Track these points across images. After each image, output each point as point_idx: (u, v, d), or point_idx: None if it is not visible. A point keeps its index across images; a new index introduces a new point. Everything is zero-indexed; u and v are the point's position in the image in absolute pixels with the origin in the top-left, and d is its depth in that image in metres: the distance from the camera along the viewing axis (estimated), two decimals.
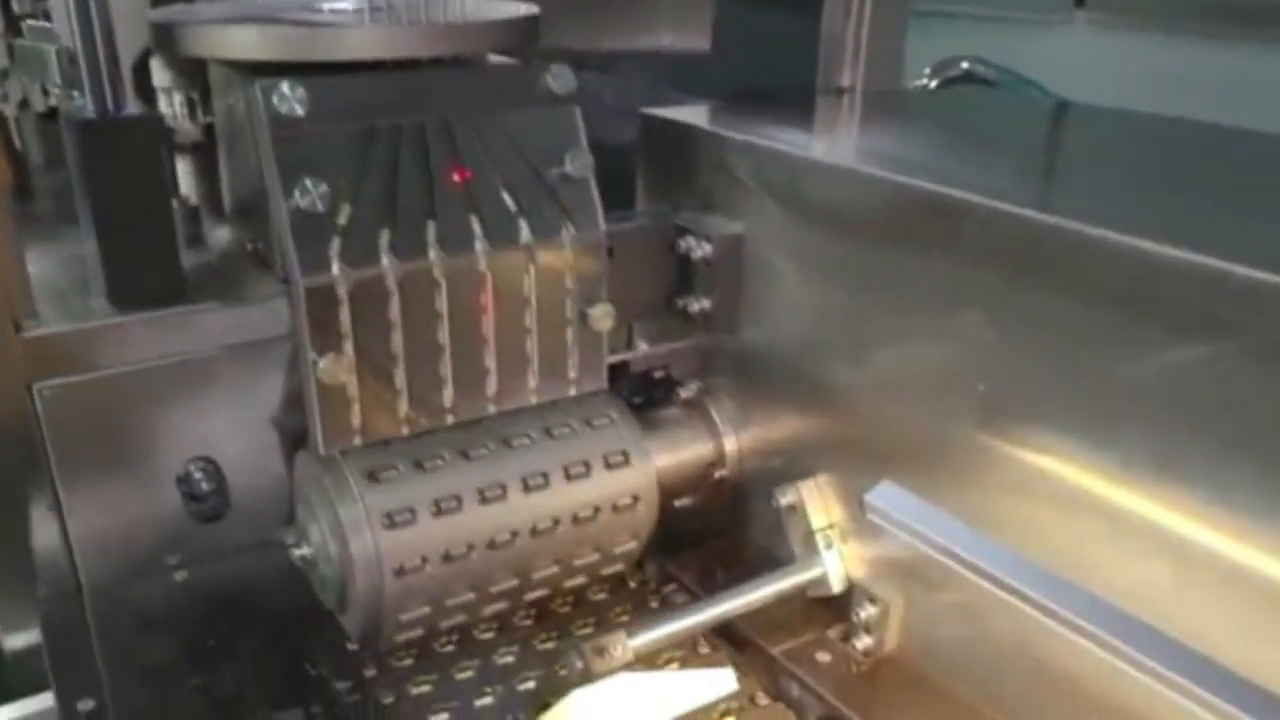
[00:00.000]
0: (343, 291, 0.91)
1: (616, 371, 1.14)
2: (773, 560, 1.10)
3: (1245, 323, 0.70)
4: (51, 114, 1.30)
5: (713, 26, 1.51)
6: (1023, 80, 2.17)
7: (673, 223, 1.15)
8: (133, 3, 1.09)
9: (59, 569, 1.03)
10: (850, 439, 1.04)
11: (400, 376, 0.96)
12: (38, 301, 0.99)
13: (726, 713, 0.97)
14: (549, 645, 1.06)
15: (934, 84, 2.09)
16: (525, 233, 0.99)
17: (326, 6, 1.07)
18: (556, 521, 1.02)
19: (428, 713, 0.97)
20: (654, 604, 1.13)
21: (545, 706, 0.95)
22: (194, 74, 1.15)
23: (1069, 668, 0.85)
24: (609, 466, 1.05)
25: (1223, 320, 0.71)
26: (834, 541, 1.06)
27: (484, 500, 0.98)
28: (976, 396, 0.89)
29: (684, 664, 1.03)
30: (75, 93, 1.06)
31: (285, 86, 0.89)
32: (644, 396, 1.22)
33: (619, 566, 1.11)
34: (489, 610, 1.03)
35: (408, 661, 1.03)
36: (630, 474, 1.06)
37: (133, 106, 1.02)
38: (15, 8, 1.31)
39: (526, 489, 1.00)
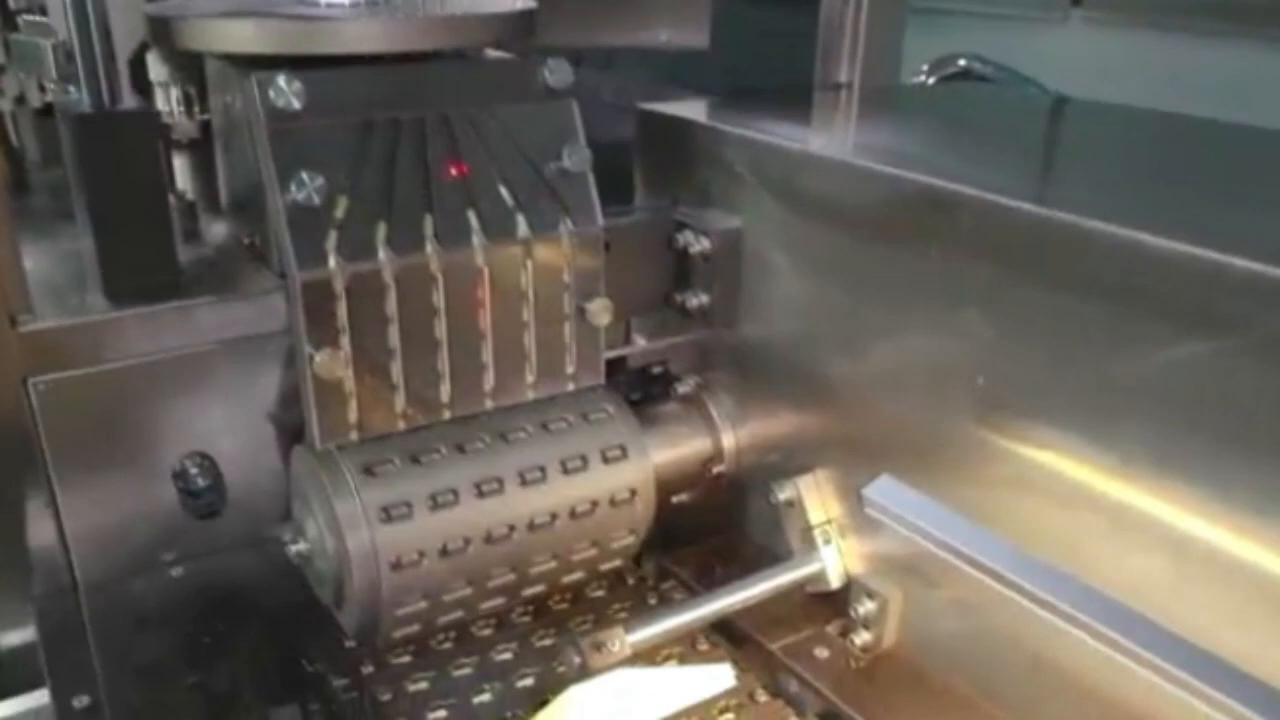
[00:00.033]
0: (339, 285, 0.91)
1: (614, 367, 1.14)
2: (771, 556, 1.10)
3: (1243, 316, 0.70)
4: (48, 109, 1.30)
5: (711, 23, 1.51)
6: (1020, 77, 2.18)
7: (670, 217, 1.14)
8: None
9: (54, 565, 1.03)
10: (848, 434, 1.04)
11: (397, 371, 0.96)
12: (34, 297, 0.99)
13: (725, 709, 0.97)
14: (547, 642, 1.05)
15: (932, 80, 2.09)
16: (523, 227, 0.99)
17: (323, 0, 1.06)
18: (554, 516, 1.02)
19: (425, 710, 0.96)
20: (652, 600, 1.13)
21: (544, 703, 0.95)
22: (190, 68, 1.15)
23: (1067, 662, 0.85)
24: (606, 460, 1.05)
25: (1221, 313, 0.71)
26: (832, 537, 1.06)
27: (481, 494, 0.98)
28: (975, 391, 0.89)
29: (682, 660, 1.02)
30: (71, 87, 1.06)
31: (282, 80, 0.89)
32: (642, 392, 1.22)
33: (617, 562, 1.10)
34: (487, 606, 1.03)
35: (405, 658, 1.03)
36: (628, 468, 1.06)
37: (129, 101, 1.02)
38: (11, 3, 1.31)
39: (524, 483, 1.00)
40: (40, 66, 1.20)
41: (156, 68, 1.16)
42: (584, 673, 0.94)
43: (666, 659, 1.02)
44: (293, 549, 0.99)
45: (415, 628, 1.00)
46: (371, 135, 0.93)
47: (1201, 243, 0.71)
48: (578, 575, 1.08)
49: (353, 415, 0.95)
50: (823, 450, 1.07)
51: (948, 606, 0.96)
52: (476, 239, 0.97)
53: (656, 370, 1.24)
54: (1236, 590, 0.74)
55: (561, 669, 0.96)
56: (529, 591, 1.05)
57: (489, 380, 1.01)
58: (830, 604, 1.06)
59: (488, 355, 1.00)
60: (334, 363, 0.91)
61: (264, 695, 1.00)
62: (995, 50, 2.81)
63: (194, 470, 1.06)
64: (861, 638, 1.02)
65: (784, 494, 1.07)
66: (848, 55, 1.46)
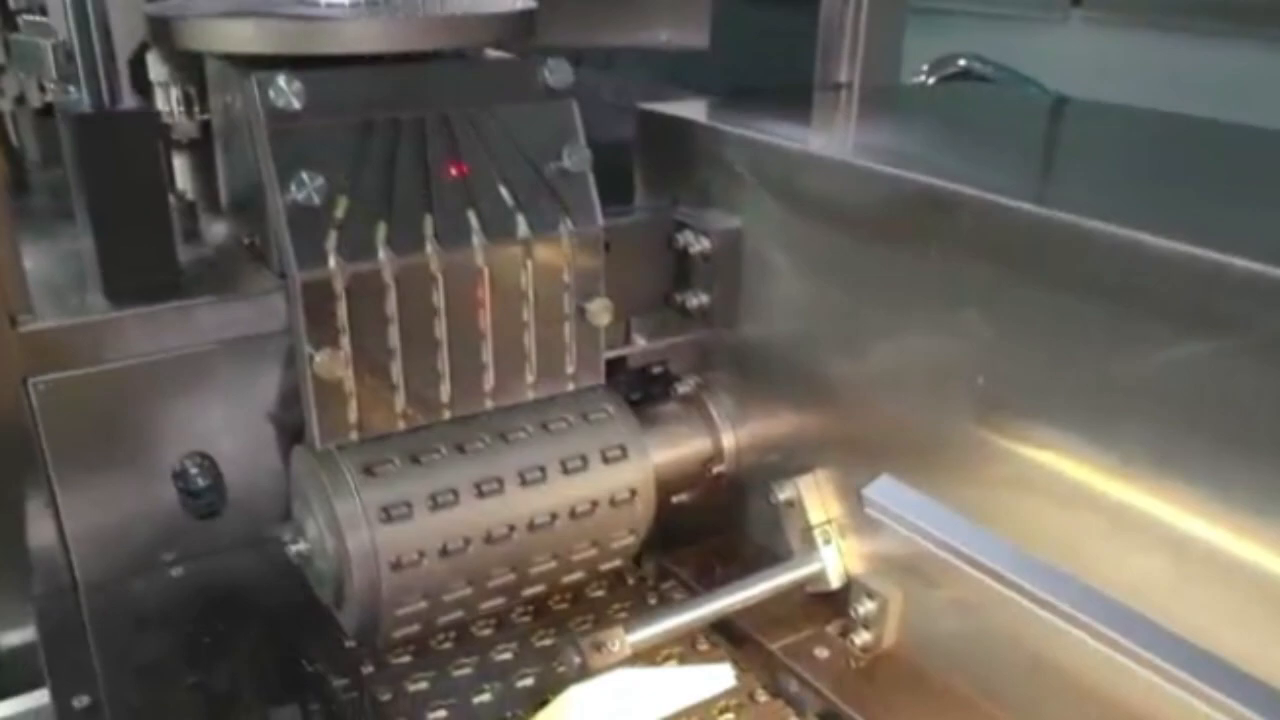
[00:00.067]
0: (339, 285, 0.91)
1: (614, 367, 1.13)
2: (771, 556, 1.10)
3: (1244, 316, 0.70)
4: (48, 110, 1.30)
5: (711, 23, 1.51)
6: (1020, 77, 2.18)
7: (671, 217, 1.14)
8: None
9: (54, 565, 1.03)
10: (848, 434, 1.04)
11: (397, 371, 0.96)
12: (34, 297, 0.98)
13: (725, 709, 0.97)
14: (547, 642, 1.05)
15: (932, 80, 2.09)
16: (523, 227, 0.99)
17: (323, 0, 1.06)
18: (554, 516, 1.02)
19: (425, 710, 0.96)
20: (652, 600, 1.13)
21: (544, 703, 0.95)
22: (190, 68, 1.15)
23: (1067, 663, 0.85)
24: (606, 460, 1.05)
25: (1221, 313, 0.71)
26: (832, 537, 1.06)
27: (481, 494, 0.98)
28: (975, 391, 0.89)
29: (682, 660, 1.02)
30: (71, 87, 1.06)
31: (282, 80, 0.89)
32: (642, 392, 1.22)
33: (617, 562, 1.10)
34: (487, 606, 1.03)
35: (405, 658, 1.03)
36: (628, 468, 1.06)
37: (129, 101, 1.02)
38: (11, 3, 1.31)
39: (524, 483, 1.00)
40: (40, 66, 1.20)
41: (156, 68, 1.16)
42: (584, 673, 0.94)
43: (666, 659, 1.02)
44: (293, 549, 0.99)
45: (415, 628, 1.00)
46: (371, 135, 0.93)
47: (1202, 243, 0.71)
48: (578, 575, 1.08)
49: (353, 415, 0.95)
50: (823, 450, 1.07)
51: (948, 606, 0.96)
52: (476, 239, 0.97)
53: (656, 370, 1.24)
54: (1236, 590, 0.74)
55: (561, 669, 0.96)
56: (529, 591, 1.05)
57: (489, 380, 1.01)
58: (830, 604, 1.06)
59: (488, 355, 1.00)
60: (334, 363, 0.91)
61: (264, 695, 1.00)
62: (995, 50, 2.81)
63: (194, 470, 1.06)
64: (861, 638, 1.02)
65: (784, 494, 1.07)
66: (848, 55, 1.46)
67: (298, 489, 1.01)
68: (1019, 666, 0.90)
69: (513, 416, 1.03)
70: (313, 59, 0.93)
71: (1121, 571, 0.81)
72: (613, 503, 1.05)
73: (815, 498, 1.07)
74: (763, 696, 0.98)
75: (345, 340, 0.93)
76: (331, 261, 0.90)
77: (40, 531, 1.01)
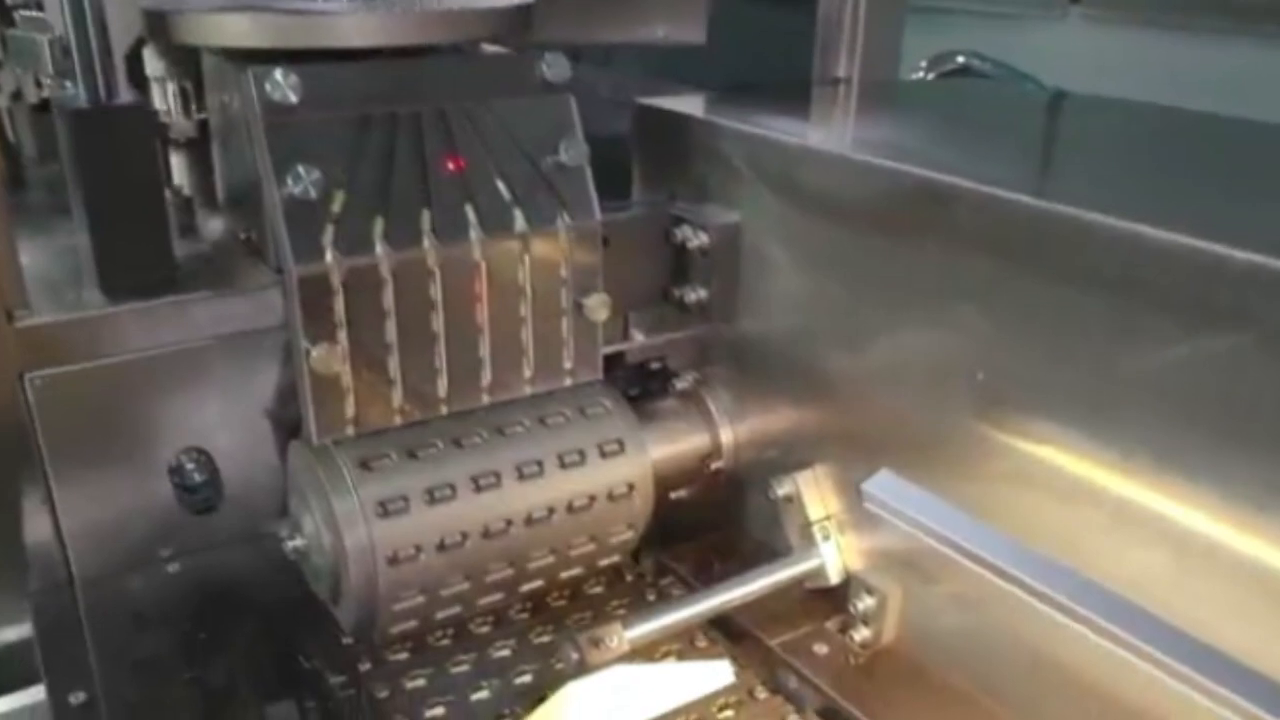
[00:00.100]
0: (336, 280, 0.91)
1: (612, 363, 1.13)
2: (770, 552, 1.10)
3: (1244, 308, 0.70)
4: (44, 105, 1.30)
5: (709, 20, 1.51)
6: (1018, 74, 2.18)
7: (668, 212, 1.14)
8: None
9: (51, 561, 1.03)
10: (847, 429, 1.04)
11: (394, 366, 0.96)
12: (30, 292, 0.98)
13: (725, 706, 0.96)
14: (545, 638, 1.05)
15: (930, 77, 2.09)
16: (520, 221, 0.99)
17: None
18: (551, 510, 1.01)
19: (423, 707, 0.96)
20: (650, 597, 1.12)
21: (542, 700, 0.95)
22: (187, 64, 1.15)
23: (1067, 658, 0.84)
24: (604, 455, 1.04)
25: (1222, 306, 0.71)
26: (831, 533, 1.06)
27: (478, 489, 0.97)
28: (974, 385, 0.89)
29: (681, 657, 1.02)
30: (68, 83, 1.06)
31: (278, 74, 0.89)
32: (640, 388, 1.22)
33: (615, 557, 1.10)
34: (484, 601, 1.03)
35: (403, 655, 1.02)
36: (625, 463, 1.05)
37: (125, 95, 1.02)
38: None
39: (521, 477, 1.00)
40: (37, 62, 1.20)
41: (153, 63, 1.16)
42: (582, 669, 0.93)
43: (665, 655, 1.02)
44: (289, 544, 0.99)
45: (412, 623, 0.99)
46: (368, 130, 0.93)
47: (1202, 235, 0.71)
48: (576, 571, 1.07)
49: (350, 410, 0.95)
50: (822, 446, 1.06)
51: (947, 602, 0.96)
52: (474, 233, 0.97)
53: (655, 366, 1.24)
54: (1237, 585, 0.74)
55: (559, 665, 0.95)
56: (527, 587, 1.05)
57: (486, 375, 1.01)
58: (829, 600, 1.06)
59: (485, 350, 1.00)
60: (331, 357, 0.91)
61: (260, 692, 1.00)
62: (994, 47, 2.81)
63: (190, 466, 1.05)
64: (861, 634, 1.02)
65: (783, 490, 1.07)
66: (846, 52, 1.46)
67: (294, 484, 1.01)
68: (1019, 662, 0.90)
69: (510, 411, 1.03)
70: (309, 53, 0.93)
71: (1122, 566, 0.81)
72: (610, 497, 1.05)
73: (814, 493, 1.06)
74: (762, 693, 0.98)
75: (342, 335, 0.92)
76: (328, 256, 0.90)
77: (36, 527, 1.01)
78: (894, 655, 1.01)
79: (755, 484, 1.13)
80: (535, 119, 1.00)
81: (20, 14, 1.27)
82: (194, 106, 1.18)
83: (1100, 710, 0.83)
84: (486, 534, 0.98)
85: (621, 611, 1.09)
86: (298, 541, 0.99)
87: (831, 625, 1.05)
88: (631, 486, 1.06)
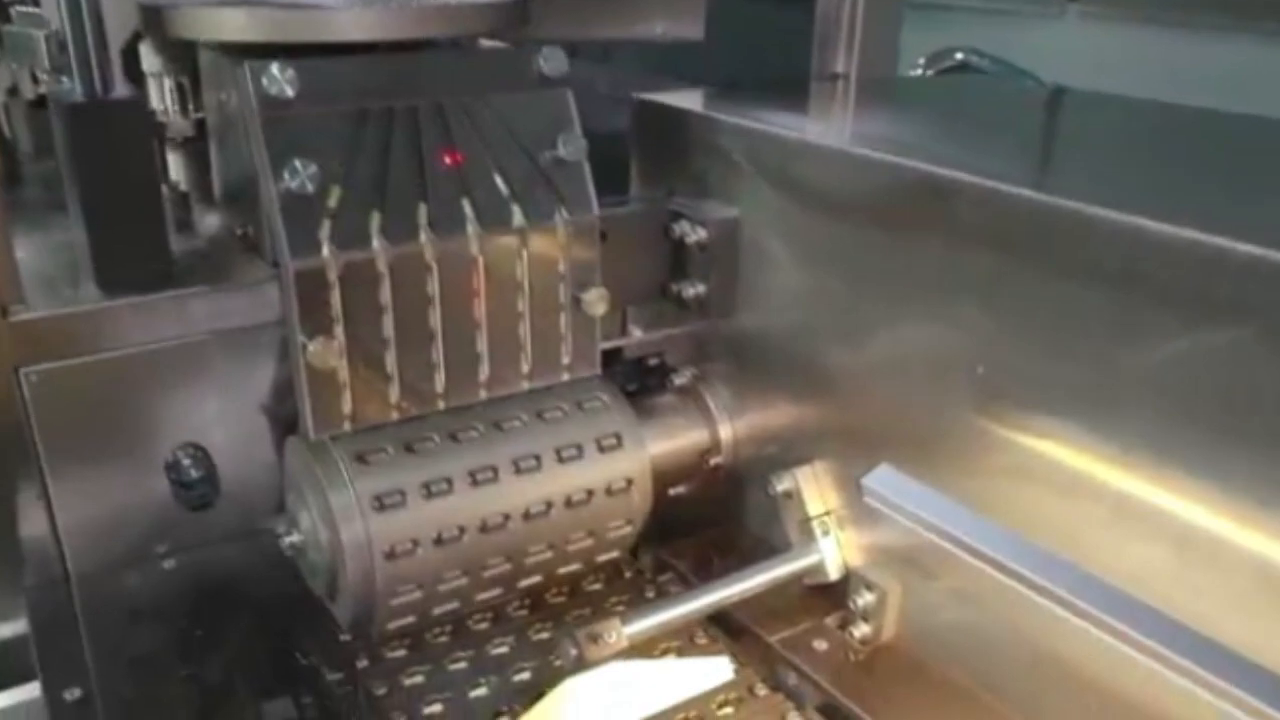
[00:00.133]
0: (333, 274, 0.90)
1: (610, 358, 1.13)
2: (769, 548, 1.10)
3: (1245, 301, 0.69)
4: (41, 101, 1.29)
5: (707, 16, 1.50)
6: (1016, 71, 2.18)
7: (667, 207, 1.14)
8: None
9: (46, 557, 1.02)
10: (847, 425, 1.03)
11: (391, 361, 0.96)
12: (26, 287, 0.98)
13: (725, 703, 0.96)
14: (544, 635, 1.05)
15: (929, 74, 2.08)
16: (518, 216, 0.98)
17: None
18: (549, 505, 1.01)
19: (421, 704, 0.96)
20: (649, 593, 1.12)
21: (540, 697, 0.94)
22: (183, 59, 1.14)
23: (1068, 653, 0.84)
24: (602, 449, 1.04)
25: (1223, 299, 0.71)
26: (831, 528, 1.05)
27: (475, 483, 0.97)
28: (974, 380, 0.89)
29: (680, 653, 1.02)
30: (64, 78, 1.05)
31: (275, 68, 0.89)
32: (638, 383, 1.22)
33: (614, 553, 1.10)
34: (482, 596, 1.02)
35: (400, 652, 1.02)
36: (623, 457, 1.05)
37: (122, 89, 1.01)
38: None
39: (518, 471, 1.00)
40: (33, 57, 1.19)
41: (149, 58, 1.15)
42: (580, 664, 0.93)
43: (664, 652, 1.01)
44: (286, 541, 0.99)
45: (410, 619, 0.99)
46: (365, 124, 0.93)
47: (1203, 228, 0.71)
48: (574, 566, 1.07)
49: (346, 405, 0.95)
50: (821, 441, 1.06)
51: (947, 598, 0.95)
52: (471, 228, 0.96)
53: (653, 362, 1.24)
54: (1237, 578, 0.74)
55: (558, 662, 0.95)
56: (525, 582, 1.05)
57: (484, 370, 1.01)
58: (829, 596, 1.06)
59: (482, 345, 1.00)
60: (327, 352, 0.91)
61: (257, 689, 1.00)
62: (992, 44, 2.81)
63: (187, 461, 1.05)
64: (860, 630, 1.01)
65: (782, 485, 1.06)
66: (844, 48, 1.45)
67: (291, 480, 1.00)
68: (1019, 657, 0.89)
69: (508, 406, 1.02)
70: (306, 47, 0.93)
71: (1122, 560, 0.80)
72: (609, 492, 1.04)
73: (813, 489, 1.06)
74: (761, 689, 0.98)
75: (339, 329, 0.92)
76: (325, 250, 0.90)
77: (32, 523, 1.01)
78: (894, 651, 1.01)
79: (754, 479, 1.12)
80: (533, 114, 1.00)
81: (16, 9, 1.26)
82: (191, 105, 1.17)
83: (1100, 705, 0.83)
84: (484, 529, 0.98)
85: (620, 608, 1.09)
86: (294, 537, 0.99)
87: (831, 621, 1.05)
88: (630, 481, 1.06)
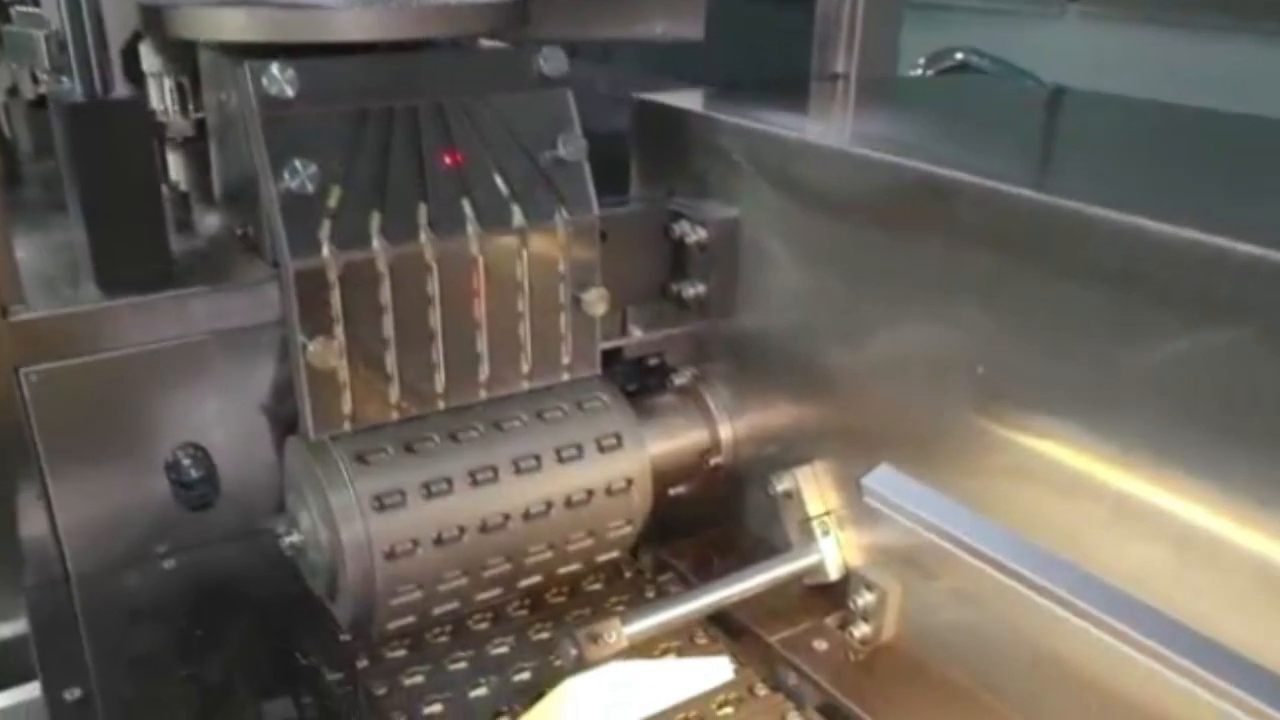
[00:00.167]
0: (333, 274, 0.90)
1: (610, 358, 1.13)
2: (769, 548, 1.10)
3: (1245, 301, 0.69)
4: (41, 101, 1.29)
5: (707, 17, 1.50)
6: (1016, 71, 2.18)
7: (667, 207, 1.14)
8: None
9: (46, 557, 1.02)
10: (847, 425, 1.03)
11: (391, 361, 0.96)
12: (26, 287, 0.98)
13: (725, 703, 0.96)
14: (544, 635, 1.05)
15: (929, 74, 2.08)
16: (518, 216, 0.98)
17: None
18: (549, 505, 1.01)
19: (421, 704, 0.96)
20: (650, 593, 1.12)
21: (540, 697, 0.94)
22: (183, 59, 1.14)
23: (1068, 653, 0.84)
24: (602, 449, 1.04)
25: (1222, 299, 0.71)
26: (831, 528, 1.05)
27: (475, 483, 0.97)
28: (974, 380, 0.89)
29: (680, 653, 1.02)
30: (64, 78, 1.05)
31: (275, 68, 0.89)
32: (638, 383, 1.22)
33: (614, 553, 1.10)
34: (482, 596, 1.02)
35: (400, 652, 1.02)
36: (623, 457, 1.05)
37: (122, 89, 1.01)
38: None
39: (518, 471, 1.00)
40: (33, 57, 1.19)
41: (149, 58, 1.15)
42: (580, 664, 0.93)
43: (664, 652, 1.01)
44: (286, 541, 0.99)
45: (410, 619, 0.99)
46: (365, 124, 0.93)
47: (1203, 228, 0.71)
48: (574, 566, 1.07)
49: (346, 405, 0.95)
50: (821, 441, 1.06)
51: (947, 598, 0.95)
52: (471, 228, 0.96)
53: (653, 362, 1.24)
54: (1237, 578, 0.74)
55: (558, 662, 0.95)
56: (525, 582, 1.05)
57: (484, 370, 1.01)
58: (829, 596, 1.06)
59: (482, 345, 1.00)
60: (327, 352, 0.91)
61: (257, 689, 1.00)
62: (992, 44, 2.81)
63: (187, 462, 1.05)
64: (860, 630, 1.01)
65: (782, 485, 1.06)
66: (844, 48, 1.45)
67: (291, 480, 1.00)
68: (1019, 657, 0.89)
69: (508, 406, 1.02)
70: (306, 47, 0.93)
71: (1122, 560, 0.80)
72: (609, 492, 1.04)
73: (814, 489, 1.06)
74: (761, 689, 0.98)
75: (339, 329, 0.92)
76: (325, 250, 0.90)
77: (32, 523, 1.00)
78: (894, 651, 1.01)
79: (754, 480, 1.12)
80: (533, 114, 1.00)
81: (16, 9, 1.26)
82: (191, 105, 1.17)
83: (1100, 704, 0.83)
84: (484, 528, 0.98)
85: (620, 608, 1.09)
86: (294, 537, 0.99)
87: (831, 621, 1.05)
88: (630, 481, 1.06)
